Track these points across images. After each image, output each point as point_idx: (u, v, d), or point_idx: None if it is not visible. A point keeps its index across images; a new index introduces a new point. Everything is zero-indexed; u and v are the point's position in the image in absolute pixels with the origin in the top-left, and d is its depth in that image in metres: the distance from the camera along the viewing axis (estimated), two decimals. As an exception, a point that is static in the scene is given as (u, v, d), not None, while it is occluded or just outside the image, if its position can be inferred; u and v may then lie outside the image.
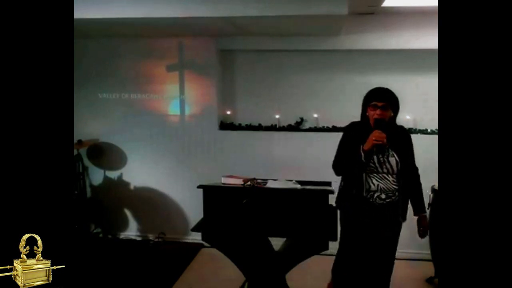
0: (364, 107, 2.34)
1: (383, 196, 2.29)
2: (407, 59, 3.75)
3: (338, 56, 3.87)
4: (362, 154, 2.22)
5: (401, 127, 2.45)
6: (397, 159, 2.29)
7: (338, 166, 2.38)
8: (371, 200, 2.30)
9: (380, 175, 2.29)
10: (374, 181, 2.29)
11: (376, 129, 2.21)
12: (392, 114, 2.32)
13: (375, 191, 2.29)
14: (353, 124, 2.43)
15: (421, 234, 2.45)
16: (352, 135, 2.35)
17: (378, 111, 2.24)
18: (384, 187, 2.28)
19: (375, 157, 2.27)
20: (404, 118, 3.82)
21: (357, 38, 3.63)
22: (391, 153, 2.30)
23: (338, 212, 2.43)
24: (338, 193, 2.43)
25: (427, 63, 3.54)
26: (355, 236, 2.39)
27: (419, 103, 3.77)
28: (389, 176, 2.29)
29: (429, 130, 3.72)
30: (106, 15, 3.05)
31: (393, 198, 2.30)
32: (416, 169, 2.47)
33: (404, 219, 2.40)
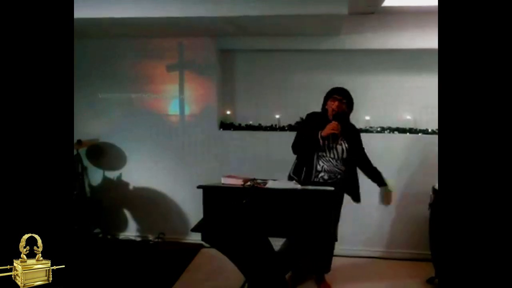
0: (325, 100, 2.74)
1: (326, 176, 2.69)
2: (407, 59, 3.74)
3: (338, 56, 3.86)
4: (320, 139, 2.57)
5: (352, 124, 2.83)
6: (344, 148, 2.67)
7: (297, 147, 2.74)
8: (315, 179, 2.68)
9: (327, 158, 2.67)
10: (320, 162, 2.67)
11: (334, 120, 2.56)
12: (346, 111, 2.69)
13: (320, 171, 2.68)
14: (313, 113, 2.80)
15: (383, 202, 2.84)
16: (312, 122, 2.71)
17: (336, 103, 2.63)
18: (328, 169, 2.67)
19: (326, 143, 2.63)
20: (404, 118, 3.83)
21: (357, 38, 3.62)
22: (340, 142, 2.68)
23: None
24: (294, 167, 2.82)
25: (427, 63, 3.54)
26: None
27: (419, 103, 3.78)
28: (334, 160, 2.67)
29: (429, 130, 3.72)
30: (106, 15, 3.04)
31: (334, 179, 2.70)
32: (366, 156, 2.86)
33: (356, 199, 2.80)
